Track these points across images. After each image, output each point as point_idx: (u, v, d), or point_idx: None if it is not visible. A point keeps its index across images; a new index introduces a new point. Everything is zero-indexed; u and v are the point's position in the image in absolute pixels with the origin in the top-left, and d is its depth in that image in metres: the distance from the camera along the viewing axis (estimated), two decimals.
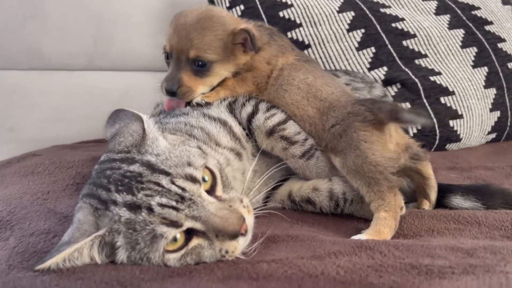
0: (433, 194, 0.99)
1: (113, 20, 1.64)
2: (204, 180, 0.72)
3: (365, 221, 0.93)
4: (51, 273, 0.64)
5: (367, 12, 1.62)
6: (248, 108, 1.03)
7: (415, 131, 1.49)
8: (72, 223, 0.70)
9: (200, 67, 1.02)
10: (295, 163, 1.01)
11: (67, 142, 1.54)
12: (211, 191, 0.73)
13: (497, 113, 1.62)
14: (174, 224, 0.66)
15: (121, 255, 0.68)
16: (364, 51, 1.56)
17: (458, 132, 1.54)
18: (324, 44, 1.56)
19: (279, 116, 1.02)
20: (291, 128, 1.01)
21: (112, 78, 1.71)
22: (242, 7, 1.58)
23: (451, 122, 1.53)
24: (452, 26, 1.69)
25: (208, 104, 1.05)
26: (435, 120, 1.51)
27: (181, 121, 0.98)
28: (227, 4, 1.59)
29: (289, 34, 1.56)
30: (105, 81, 1.70)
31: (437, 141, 1.52)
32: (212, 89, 1.07)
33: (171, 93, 1.02)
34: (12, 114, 1.61)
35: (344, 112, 0.96)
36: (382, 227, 0.85)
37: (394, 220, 0.87)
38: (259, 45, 1.04)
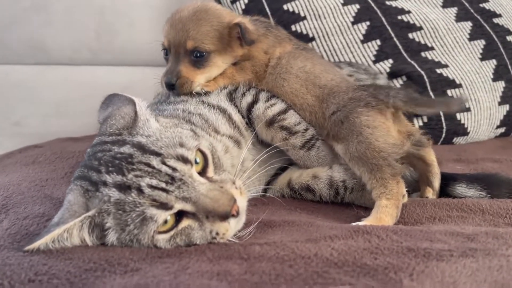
0: (436, 181, 0.96)
1: (116, 14, 1.64)
2: (196, 162, 0.71)
3: (366, 209, 0.91)
4: (40, 253, 0.64)
5: (372, 4, 1.60)
6: (248, 98, 1.02)
7: (420, 123, 1.46)
8: (63, 205, 0.69)
9: (198, 58, 1.02)
10: (295, 154, 0.99)
11: (71, 136, 1.54)
12: (202, 172, 0.72)
13: (506, 107, 1.58)
14: (164, 206, 0.65)
15: (111, 237, 0.67)
16: (369, 43, 1.54)
17: (466, 126, 1.51)
18: (328, 37, 1.54)
19: (279, 106, 1.00)
20: (291, 118, 0.99)
21: (115, 72, 1.71)
22: (246, 0, 1.57)
23: (458, 115, 1.50)
24: (459, 18, 1.65)
25: (208, 93, 1.04)
26: (441, 113, 1.47)
27: (179, 108, 0.97)
28: None
29: (293, 27, 1.54)
30: (108, 75, 1.70)
31: (443, 134, 1.49)
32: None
33: (170, 85, 1.02)
34: (17, 109, 1.62)
35: (345, 98, 0.94)
36: (383, 215, 0.83)
37: (395, 208, 0.85)
38: (254, 38, 1.04)
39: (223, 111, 0.99)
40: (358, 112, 0.91)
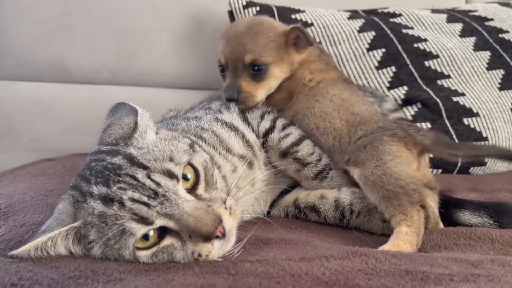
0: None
1: (136, 37, 1.67)
2: (186, 178, 0.69)
3: (371, 234, 0.88)
4: (28, 261, 0.63)
5: (389, 32, 1.60)
6: (267, 124, 1.01)
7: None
8: (53, 214, 0.68)
9: (257, 71, 1.05)
10: (308, 184, 0.98)
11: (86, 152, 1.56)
12: (192, 189, 0.69)
13: None
14: (145, 220, 0.63)
15: (96, 250, 0.66)
16: (384, 70, 1.53)
17: None
18: (343, 63, 1.54)
19: (293, 137, 0.99)
20: (304, 150, 0.98)
21: (133, 93, 1.73)
22: None
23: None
24: (477, 48, 1.63)
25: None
26: (456, 140, 1.43)
27: (192, 124, 0.96)
28: None
29: None
30: (126, 96, 1.70)
31: (459, 163, 1.44)
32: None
33: (231, 100, 1.05)
34: (36, 125, 1.66)
35: (374, 126, 0.94)
36: (402, 242, 0.78)
37: (416, 236, 0.80)
38: (311, 40, 1.07)
39: (235, 130, 0.97)
40: (384, 140, 0.88)
